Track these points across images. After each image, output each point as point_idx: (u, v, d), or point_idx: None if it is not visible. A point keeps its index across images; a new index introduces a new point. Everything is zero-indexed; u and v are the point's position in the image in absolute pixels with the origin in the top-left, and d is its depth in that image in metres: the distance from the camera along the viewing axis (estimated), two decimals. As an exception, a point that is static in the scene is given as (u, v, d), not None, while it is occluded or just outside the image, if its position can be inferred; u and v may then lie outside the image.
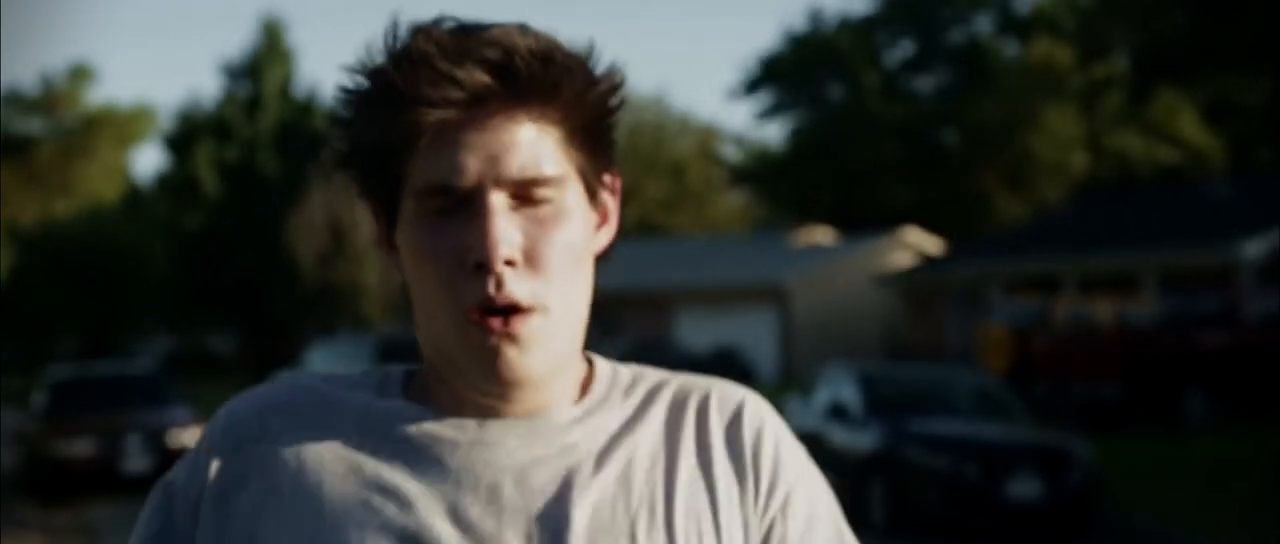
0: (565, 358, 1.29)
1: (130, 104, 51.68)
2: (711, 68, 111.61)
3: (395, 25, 1.27)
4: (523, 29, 1.27)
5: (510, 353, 1.24)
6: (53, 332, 48.82)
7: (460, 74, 1.23)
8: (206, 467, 1.32)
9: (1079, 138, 42.43)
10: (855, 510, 13.46)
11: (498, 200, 1.24)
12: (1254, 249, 24.41)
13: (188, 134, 49.12)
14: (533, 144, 1.25)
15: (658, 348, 35.90)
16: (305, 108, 49.40)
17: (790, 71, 50.11)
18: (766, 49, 72.91)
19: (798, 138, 51.06)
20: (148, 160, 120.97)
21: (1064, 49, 42.86)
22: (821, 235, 44.36)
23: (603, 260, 1.35)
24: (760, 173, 54.17)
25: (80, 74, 49.98)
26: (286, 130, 48.36)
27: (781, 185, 51.39)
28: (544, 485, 1.27)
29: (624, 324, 39.43)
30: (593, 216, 1.31)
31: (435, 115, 1.23)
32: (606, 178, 1.33)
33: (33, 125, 50.45)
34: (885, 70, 49.91)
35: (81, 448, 17.21)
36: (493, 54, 1.24)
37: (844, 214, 47.23)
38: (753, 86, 51.94)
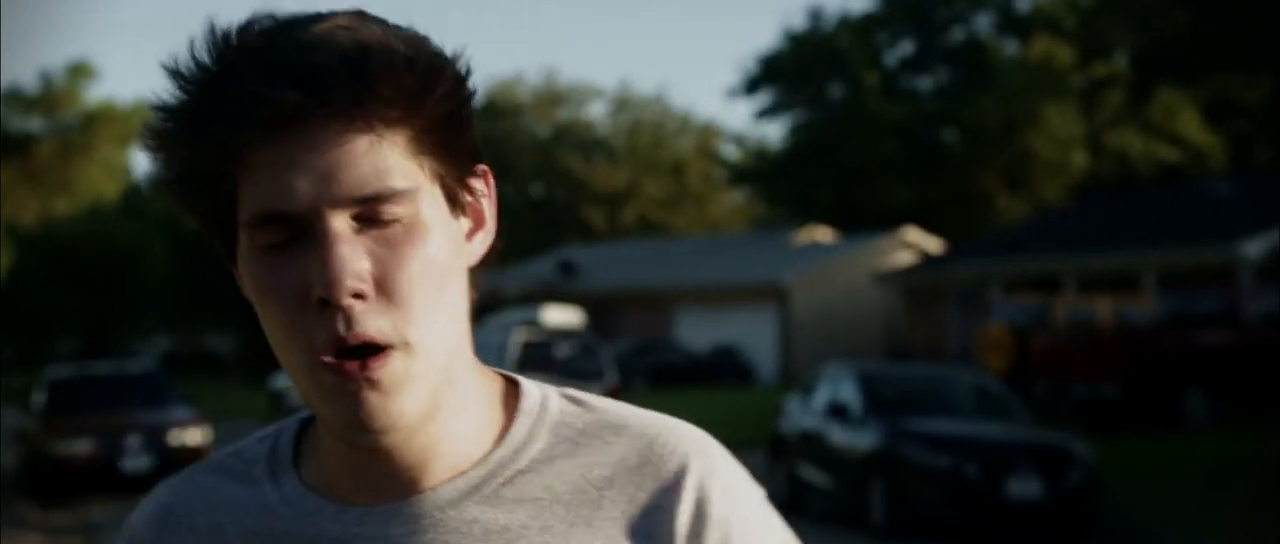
0: (441, 395, 1.12)
1: (130, 103, 51.68)
2: (711, 67, 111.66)
3: (206, 32, 1.10)
4: (350, 22, 1.09)
5: (372, 399, 1.08)
6: (53, 331, 48.83)
7: (269, 92, 1.05)
8: None
9: (1079, 137, 42.43)
10: (855, 510, 13.46)
11: (338, 224, 1.07)
12: (1254, 248, 24.40)
13: (188, 133, 49.07)
14: (369, 156, 1.07)
15: (658, 347, 35.94)
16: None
17: (790, 71, 50.09)
18: (766, 48, 72.93)
19: (797, 137, 51.06)
20: (147, 159, 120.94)
21: (1064, 48, 42.85)
22: (821, 235, 44.37)
23: (484, 265, 1.17)
24: (760, 172, 54.17)
25: (80, 72, 49.99)
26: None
27: (781, 185, 51.38)
28: None
29: (624, 324, 39.44)
30: (458, 225, 1.14)
31: (245, 141, 1.06)
32: (472, 180, 1.15)
33: (32, 124, 50.46)
34: (885, 70, 49.90)
35: (81, 447, 17.21)
36: (305, 63, 1.06)
37: (844, 213, 47.23)
38: (753, 86, 51.94)
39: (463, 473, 1.15)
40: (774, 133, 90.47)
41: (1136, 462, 16.64)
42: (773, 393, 24.69)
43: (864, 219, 45.45)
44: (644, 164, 58.15)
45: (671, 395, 26.16)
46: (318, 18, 1.10)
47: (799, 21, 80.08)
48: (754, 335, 37.42)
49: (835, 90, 50.00)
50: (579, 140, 60.74)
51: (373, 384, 1.08)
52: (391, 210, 1.08)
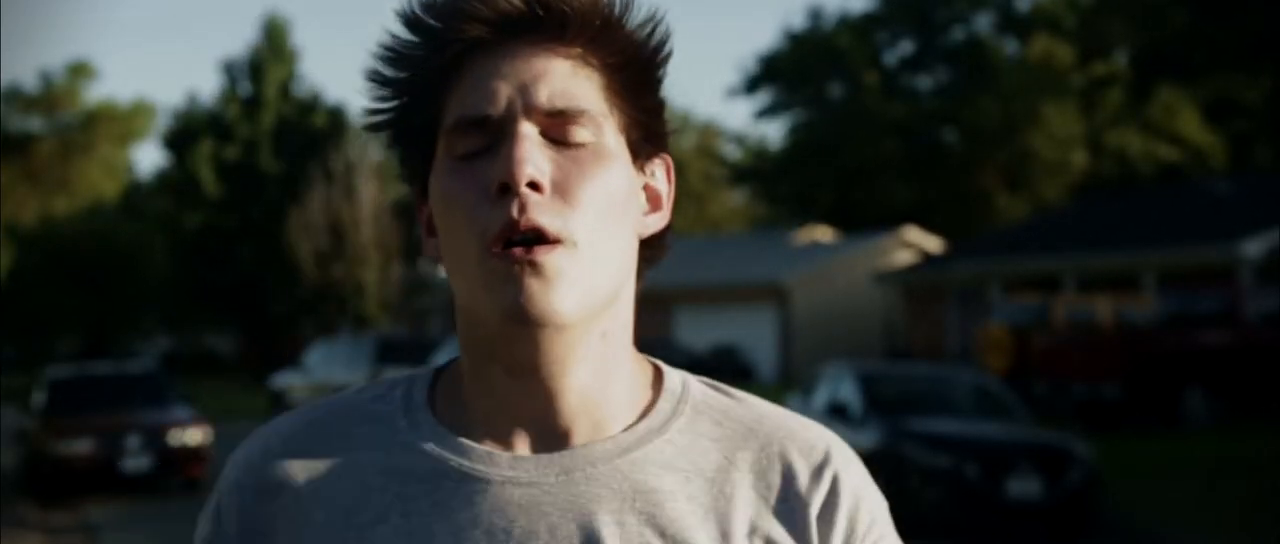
0: (598, 313, 1.18)
1: (130, 103, 51.70)
2: (711, 67, 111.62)
3: None
4: None
5: (532, 285, 1.13)
6: (53, 331, 48.82)
7: (489, 1, 1.17)
8: (230, 518, 1.22)
9: (1079, 137, 42.42)
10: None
11: (527, 129, 1.15)
12: (1254, 248, 24.40)
13: (187, 133, 49.11)
14: (567, 76, 1.17)
15: (657, 347, 35.90)
16: (306, 107, 49.39)
17: (790, 70, 50.10)
18: (766, 48, 72.93)
19: (797, 137, 51.07)
20: (147, 159, 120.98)
21: (1064, 48, 42.85)
22: (821, 235, 44.37)
23: (654, 249, 1.24)
24: (760, 172, 54.19)
25: (80, 72, 49.98)
26: (286, 130, 48.35)
27: (781, 184, 51.40)
28: (582, 538, 1.16)
29: (624, 323, 39.40)
30: (638, 182, 1.22)
31: (462, 41, 1.17)
32: (657, 158, 1.24)
33: (32, 124, 50.46)
34: (885, 69, 49.91)
35: (81, 447, 17.20)
36: None
37: (844, 213, 47.24)
38: (753, 85, 51.94)
39: (612, 436, 1.20)
40: (774, 132, 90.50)
41: (1136, 462, 16.64)
42: (773, 393, 24.69)
43: (864, 219, 45.46)
44: (644, 164, 58.12)
45: (671, 395, 26.01)
46: None
47: (799, 21, 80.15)
48: (754, 335, 37.42)
49: (835, 90, 50.01)
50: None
51: (536, 268, 1.13)
52: (579, 132, 1.17)
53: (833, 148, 47.60)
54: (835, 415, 14.63)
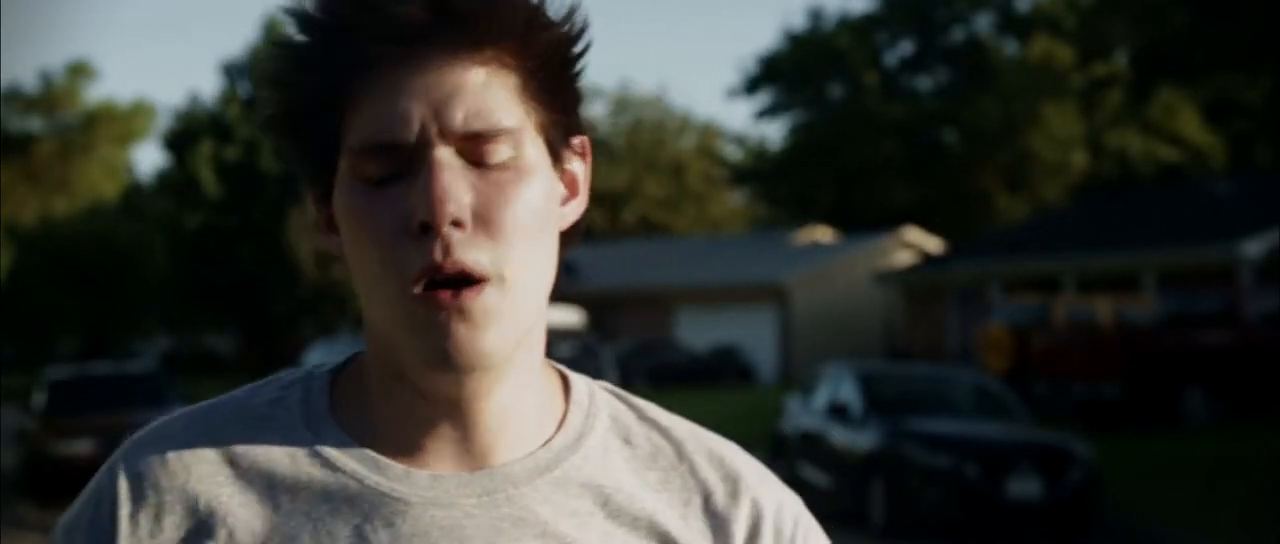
0: (523, 342, 1.11)
1: (130, 103, 51.72)
2: (711, 67, 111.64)
3: None
4: None
5: (460, 330, 1.05)
6: (53, 331, 48.82)
7: (393, 7, 1.06)
8: (114, 534, 1.10)
9: (1079, 137, 42.42)
10: (855, 510, 13.46)
11: (444, 155, 1.06)
12: (1254, 248, 24.40)
13: (188, 133, 49.14)
14: (481, 90, 1.07)
15: (658, 347, 35.93)
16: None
17: (790, 71, 50.11)
18: (766, 48, 72.93)
19: (797, 137, 51.07)
20: (147, 159, 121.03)
21: (1064, 48, 42.85)
22: (821, 235, 44.37)
23: (570, 238, 1.16)
24: (760, 172, 54.19)
25: (80, 72, 50.00)
26: (286, 130, 48.33)
27: (781, 185, 51.40)
28: None
29: (624, 324, 39.43)
30: (557, 185, 1.13)
31: (366, 54, 1.07)
32: (575, 141, 1.15)
33: (32, 124, 50.48)
34: (885, 70, 49.91)
35: (81, 448, 17.21)
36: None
37: (844, 213, 47.25)
38: (753, 86, 51.94)
39: (530, 454, 1.14)
40: (774, 133, 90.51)
41: (1136, 462, 16.64)
42: (773, 393, 24.70)
43: (864, 219, 45.47)
44: (644, 164, 58.15)
45: (671, 395, 26.11)
46: None
47: (799, 22, 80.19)
48: (754, 335, 37.42)
49: (835, 90, 50.01)
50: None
51: (463, 314, 1.06)
52: (498, 151, 1.08)
53: (833, 148, 47.60)
54: (835, 416, 14.64)
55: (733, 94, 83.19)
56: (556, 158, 1.12)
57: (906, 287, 35.06)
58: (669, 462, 1.17)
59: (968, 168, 45.22)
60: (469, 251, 1.06)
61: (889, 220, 43.07)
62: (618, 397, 1.21)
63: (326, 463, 1.11)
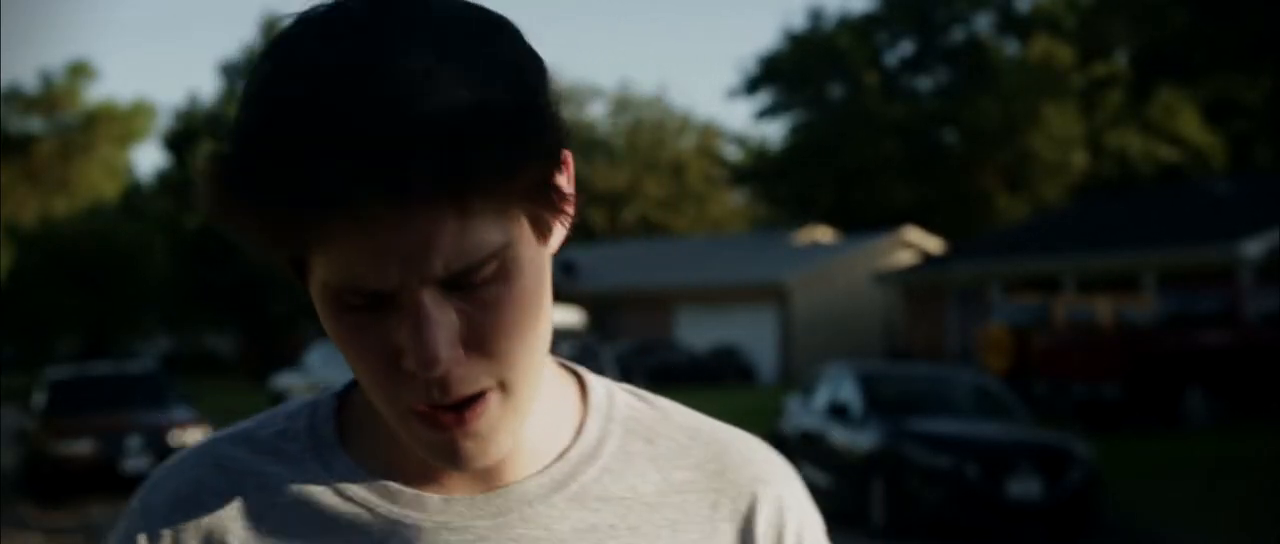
0: (529, 414, 1.06)
1: (130, 103, 51.73)
2: (711, 67, 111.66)
3: (268, 56, 0.98)
4: (433, 62, 0.94)
5: (469, 447, 1.02)
6: (53, 331, 48.83)
7: (348, 186, 0.92)
8: (134, 534, 1.10)
9: (1079, 137, 42.43)
10: (855, 510, 13.46)
11: (428, 298, 0.97)
12: (1254, 248, 24.40)
13: (187, 133, 49.16)
14: (460, 233, 0.96)
15: (658, 347, 35.94)
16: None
17: (790, 71, 50.13)
18: (766, 48, 72.94)
19: (798, 137, 51.09)
20: (148, 159, 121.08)
21: (1064, 48, 42.87)
22: (821, 235, 44.38)
23: (563, 243, 1.10)
24: (760, 172, 54.21)
25: (80, 72, 50.01)
26: (286, 130, 48.38)
27: (781, 185, 51.42)
28: None
29: (624, 324, 39.45)
30: (547, 248, 1.05)
31: (318, 224, 0.95)
32: (560, 180, 1.02)
33: (32, 124, 50.49)
34: (885, 70, 49.93)
35: (81, 448, 17.21)
36: (389, 146, 0.92)
37: (844, 213, 47.26)
38: (753, 86, 51.96)
39: (545, 469, 1.11)
40: (774, 133, 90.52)
41: (1136, 462, 16.64)
42: (773, 393, 24.69)
43: (864, 219, 45.48)
44: (644, 164, 58.18)
45: (672, 396, 25.82)
46: (391, 62, 0.94)
47: (799, 22, 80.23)
48: (754, 336, 37.43)
49: (835, 90, 50.03)
50: (579, 140, 60.76)
51: (468, 433, 1.01)
52: (482, 273, 0.98)
53: (833, 148, 47.62)
54: (835, 416, 14.63)
55: (733, 94, 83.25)
56: (545, 227, 1.03)
57: (906, 286, 35.06)
58: (694, 461, 1.15)
59: (968, 168, 45.23)
60: (467, 382, 1.00)
61: (889, 220, 43.08)
62: (638, 396, 1.18)
63: (337, 492, 1.09)
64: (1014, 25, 48.48)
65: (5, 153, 46.53)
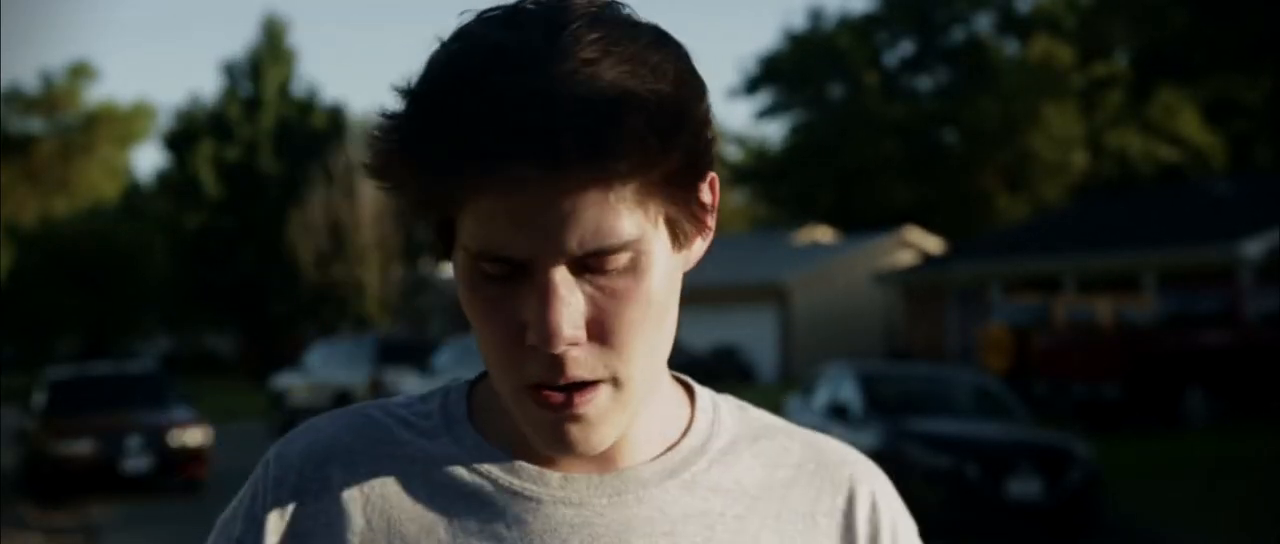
0: (638, 414, 1.12)
1: (130, 103, 51.74)
2: (711, 67, 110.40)
3: (453, 38, 1.07)
4: (594, 54, 1.03)
5: (573, 431, 1.08)
6: (53, 331, 48.85)
7: (501, 161, 1.01)
8: (264, 520, 1.16)
9: (1079, 137, 42.43)
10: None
11: (557, 275, 1.04)
12: (1254, 248, 24.40)
13: (188, 134, 49.15)
14: (595, 213, 1.03)
15: (658, 347, 35.91)
16: (305, 108, 49.42)
17: (790, 71, 50.11)
18: (766, 48, 72.94)
19: (798, 137, 51.08)
20: (148, 159, 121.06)
21: (1064, 48, 42.86)
22: (821, 235, 44.37)
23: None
24: (760, 172, 54.18)
25: (80, 72, 50.01)
26: (286, 130, 48.37)
27: (782, 184, 51.41)
28: None
29: (624, 324, 39.42)
30: (680, 258, 1.11)
31: (469, 190, 1.04)
32: (702, 191, 1.11)
33: (32, 124, 50.49)
34: (885, 70, 49.93)
35: (81, 448, 17.20)
36: (541, 127, 1.01)
37: (844, 213, 47.25)
38: (753, 86, 51.94)
39: (657, 457, 1.17)
40: (774, 133, 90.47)
41: (1136, 462, 16.64)
42: (773, 393, 24.70)
43: (864, 219, 45.46)
44: (644, 164, 58.20)
45: (671, 395, 26.01)
46: (560, 51, 1.03)
47: (799, 22, 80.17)
48: (754, 335, 37.42)
49: (835, 90, 50.02)
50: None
51: (575, 417, 1.08)
52: (614, 261, 1.05)
53: (833, 148, 47.62)
54: (835, 416, 14.63)
55: (733, 94, 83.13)
56: (683, 236, 1.10)
57: (906, 286, 35.05)
58: (795, 460, 1.22)
59: (968, 168, 45.22)
60: (584, 364, 1.06)
61: (889, 220, 43.06)
62: (739, 405, 1.25)
63: (463, 464, 1.15)
64: (1014, 25, 48.48)
65: (5, 153, 46.52)
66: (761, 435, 1.22)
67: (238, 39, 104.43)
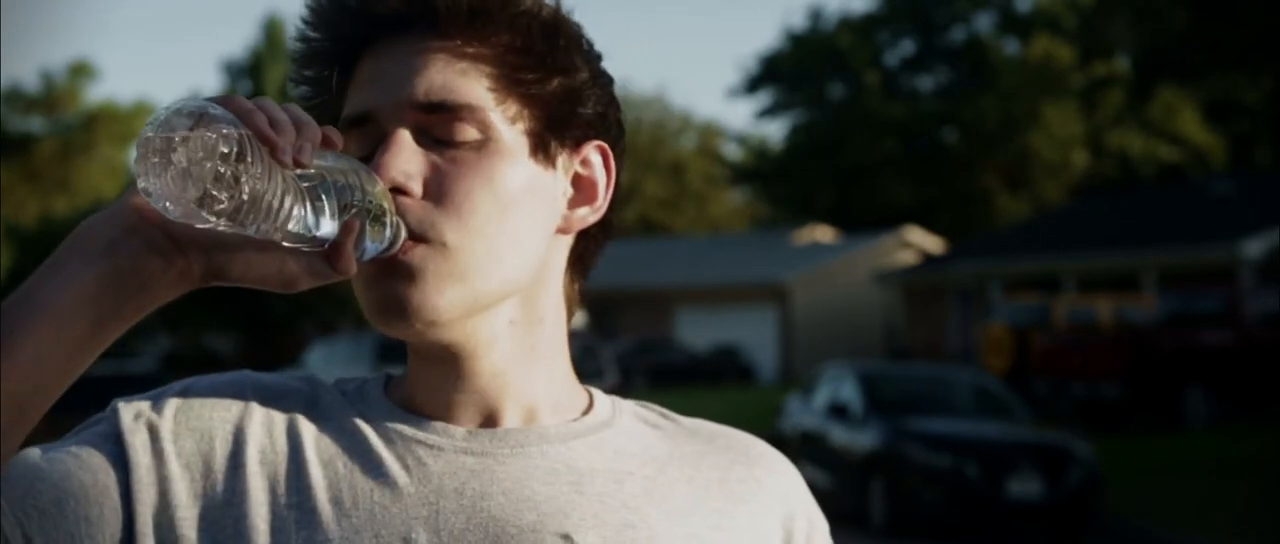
0: (487, 303, 1.12)
1: (130, 103, 51.74)
2: (711, 67, 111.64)
3: None
4: None
5: (396, 286, 1.09)
6: (53, 331, 48.81)
7: (373, 2, 1.12)
8: (166, 407, 1.16)
9: (1079, 137, 42.43)
10: (855, 510, 13.47)
11: (400, 129, 1.10)
12: (1255, 248, 24.40)
13: (188, 133, 49.16)
14: (445, 68, 1.11)
15: (658, 347, 35.93)
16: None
17: (791, 70, 50.10)
18: (767, 48, 72.99)
19: (798, 137, 51.07)
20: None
21: (1064, 48, 42.85)
22: (821, 235, 44.38)
23: (590, 241, 1.22)
24: (761, 172, 54.17)
25: (81, 72, 50.01)
26: (286, 130, 48.42)
27: (782, 184, 51.40)
28: (537, 502, 1.12)
29: (624, 323, 39.44)
30: (545, 174, 1.14)
31: (347, 41, 1.14)
32: (581, 148, 1.16)
33: (33, 124, 50.50)
34: (885, 69, 49.91)
35: (81, 447, 17.19)
36: None
37: (844, 213, 47.25)
38: (753, 85, 51.94)
39: (564, 421, 1.19)
40: (775, 132, 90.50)
41: (1136, 462, 16.64)
42: (773, 393, 24.69)
43: (864, 219, 45.46)
44: (644, 164, 58.17)
45: (672, 395, 26.12)
46: None
47: (799, 21, 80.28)
48: (754, 335, 37.42)
49: (835, 90, 50.01)
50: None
51: (391, 268, 1.08)
52: (464, 130, 1.10)
53: (833, 148, 47.61)
54: (835, 416, 14.64)
55: (733, 94, 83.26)
56: (545, 152, 1.14)
57: (906, 286, 35.06)
58: (706, 437, 1.23)
59: (968, 168, 45.22)
60: (409, 216, 1.08)
61: (889, 220, 43.07)
62: (641, 404, 1.26)
63: (367, 420, 1.16)
64: (1014, 25, 48.46)
65: (5, 153, 46.53)
66: (664, 423, 1.24)
67: (238, 38, 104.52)
